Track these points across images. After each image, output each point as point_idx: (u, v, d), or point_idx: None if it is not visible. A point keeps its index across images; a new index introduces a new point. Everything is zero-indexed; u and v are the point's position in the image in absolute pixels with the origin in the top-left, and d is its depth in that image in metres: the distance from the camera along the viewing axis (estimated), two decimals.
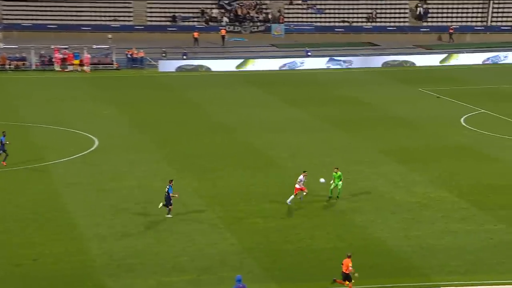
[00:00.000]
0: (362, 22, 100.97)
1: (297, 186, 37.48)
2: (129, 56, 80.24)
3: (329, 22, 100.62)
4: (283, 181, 41.50)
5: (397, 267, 30.86)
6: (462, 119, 56.54)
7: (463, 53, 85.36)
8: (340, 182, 38.26)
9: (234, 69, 79.17)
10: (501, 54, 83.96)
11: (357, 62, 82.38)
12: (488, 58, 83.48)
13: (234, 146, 49.12)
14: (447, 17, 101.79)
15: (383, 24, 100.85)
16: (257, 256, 31.94)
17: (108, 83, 71.46)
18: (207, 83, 72.10)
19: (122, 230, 34.58)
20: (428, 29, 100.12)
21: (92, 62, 77.75)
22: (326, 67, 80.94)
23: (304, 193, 37.74)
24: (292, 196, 37.57)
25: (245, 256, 31.95)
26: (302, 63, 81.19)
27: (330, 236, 33.98)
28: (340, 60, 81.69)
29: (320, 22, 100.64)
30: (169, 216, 36.27)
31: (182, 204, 37.83)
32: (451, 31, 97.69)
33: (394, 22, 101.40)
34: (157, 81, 73.03)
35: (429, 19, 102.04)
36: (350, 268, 28.35)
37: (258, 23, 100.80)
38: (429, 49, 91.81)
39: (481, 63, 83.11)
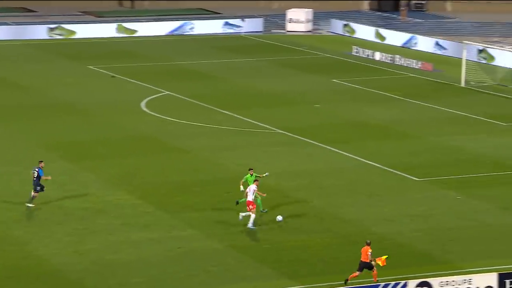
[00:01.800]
0: None
1: (249, 198, 35.66)
2: None
3: None
4: None
5: None
6: (143, 103, 57.84)
7: (143, 21, 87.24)
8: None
9: None
10: (187, 24, 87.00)
11: (5, 32, 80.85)
12: (172, 30, 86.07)
13: None
14: None
15: None
16: None
17: None
18: None
19: None
20: None
21: None
22: None
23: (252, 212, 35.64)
24: (249, 214, 35.47)
25: None
26: None
27: None
28: None
29: None
30: (31, 205, 37.03)
31: None
32: None
33: None
34: None
35: None
36: (369, 253, 30.13)
37: None
38: (100, 16, 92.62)
39: (164, 34, 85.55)
